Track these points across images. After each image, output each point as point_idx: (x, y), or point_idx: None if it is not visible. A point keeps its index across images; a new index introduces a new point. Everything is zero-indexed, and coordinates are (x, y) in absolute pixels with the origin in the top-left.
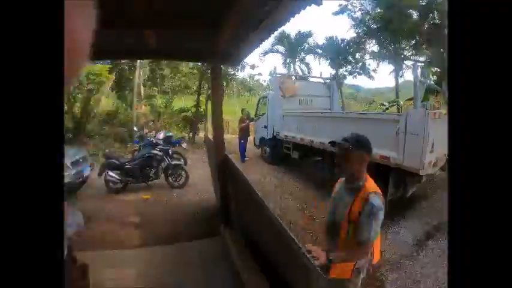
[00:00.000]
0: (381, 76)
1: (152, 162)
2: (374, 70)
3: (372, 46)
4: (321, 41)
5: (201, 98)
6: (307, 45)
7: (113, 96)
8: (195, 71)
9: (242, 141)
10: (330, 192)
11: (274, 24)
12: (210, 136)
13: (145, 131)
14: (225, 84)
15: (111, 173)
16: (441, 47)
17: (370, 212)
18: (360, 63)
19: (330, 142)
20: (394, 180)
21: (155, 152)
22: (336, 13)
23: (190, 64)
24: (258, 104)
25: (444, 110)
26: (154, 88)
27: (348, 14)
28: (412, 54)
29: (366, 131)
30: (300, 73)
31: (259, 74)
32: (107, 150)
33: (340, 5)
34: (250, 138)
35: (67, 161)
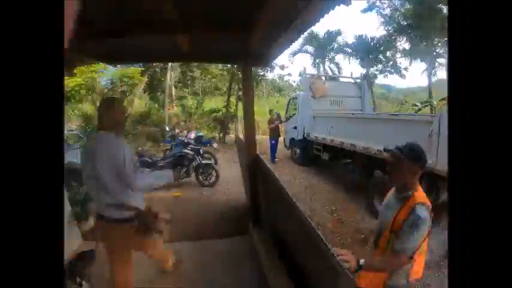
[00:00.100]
0: (413, 75)
1: (183, 161)
2: (405, 69)
3: (403, 43)
4: (350, 39)
5: (231, 99)
6: (336, 45)
7: (145, 97)
8: (225, 72)
9: (273, 141)
10: (359, 195)
11: (304, 24)
12: (241, 136)
13: (177, 130)
14: (254, 85)
15: None
16: None
17: (413, 222)
18: (391, 62)
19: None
20: (426, 184)
21: (186, 151)
22: (365, 10)
23: (220, 66)
24: (288, 105)
25: None
26: (185, 89)
27: (377, 11)
28: (445, 52)
29: (397, 132)
30: (330, 73)
31: (289, 75)
32: (139, 149)
33: (368, 2)
34: (280, 139)
35: None
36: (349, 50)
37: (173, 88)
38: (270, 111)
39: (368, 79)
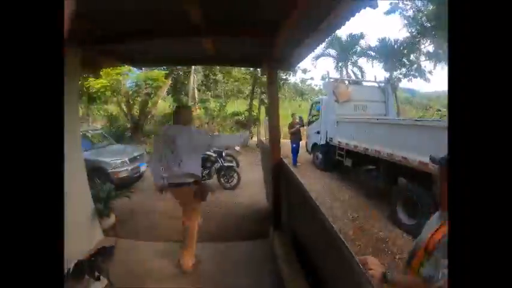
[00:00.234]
0: (437, 78)
1: (206, 163)
2: (430, 72)
3: (427, 46)
4: (373, 42)
5: (254, 103)
6: (359, 48)
7: (169, 99)
8: (248, 76)
9: (294, 145)
10: (382, 202)
11: (330, 27)
12: (264, 139)
13: None
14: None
15: None
16: None
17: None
18: (415, 65)
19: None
20: None
21: (209, 153)
22: (388, 12)
23: (243, 69)
24: (311, 109)
25: None
26: (208, 92)
27: (400, 13)
28: None
29: (423, 139)
30: (353, 77)
31: (311, 79)
32: None
33: (391, 4)
34: (302, 143)
35: (125, 158)
36: (372, 53)
37: (196, 91)
38: (292, 115)
39: (392, 83)
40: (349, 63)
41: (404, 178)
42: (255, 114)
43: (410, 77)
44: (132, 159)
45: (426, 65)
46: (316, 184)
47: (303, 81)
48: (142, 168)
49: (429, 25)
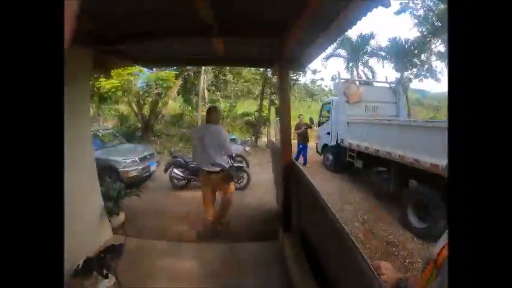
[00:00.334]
0: None
1: None
2: (441, 72)
3: (438, 46)
4: (383, 42)
5: (264, 103)
6: (369, 48)
7: (179, 99)
8: (258, 76)
9: (300, 146)
10: (393, 204)
11: (342, 27)
12: (274, 140)
13: None
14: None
15: (176, 170)
16: None
17: None
18: (426, 65)
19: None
20: None
21: None
22: (398, 12)
23: (253, 70)
24: (321, 110)
25: None
26: (218, 93)
27: (410, 12)
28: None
29: (434, 140)
30: (364, 77)
31: (321, 79)
32: (172, 149)
33: (401, 3)
34: (312, 144)
35: (136, 157)
36: (383, 54)
37: (206, 91)
38: (299, 116)
39: (403, 83)
40: (359, 63)
41: (416, 180)
42: (265, 114)
43: (421, 77)
44: (142, 159)
45: (437, 65)
46: (326, 186)
47: (313, 81)
48: (153, 167)
49: (440, 24)
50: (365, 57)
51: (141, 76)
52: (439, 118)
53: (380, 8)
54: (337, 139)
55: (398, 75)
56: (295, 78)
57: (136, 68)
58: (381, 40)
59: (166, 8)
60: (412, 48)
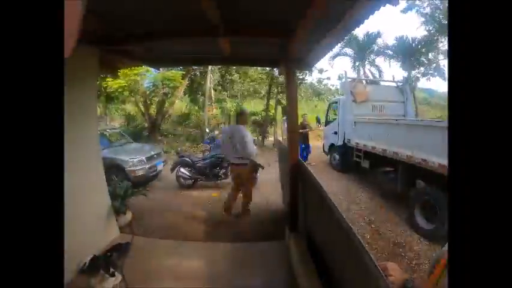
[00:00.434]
0: None
1: (222, 162)
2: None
3: (445, 44)
4: (390, 41)
5: (270, 103)
6: (376, 47)
7: (185, 99)
8: (264, 76)
9: (303, 145)
10: (400, 205)
11: (349, 26)
12: (281, 139)
13: (216, 132)
14: None
15: (182, 170)
16: None
17: None
18: (434, 64)
19: None
20: None
21: None
22: (405, 10)
23: (259, 69)
24: (328, 109)
25: None
26: (224, 92)
27: (417, 11)
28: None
29: (442, 140)
30: (371, 76)
31: (328, 78)
32: (179, 149)
33: (408, 2)
34: (319, 144)
35: (143, 156)
36: (390, 52)
37: (212, 91)
38: (303, 115)
39: (410, 83)
40: (366, 62)
41: (423, 181)
42: (271, 114)
43: (428, 76)
44: (149, 158)
45: (445, 63)
46: (333, 186)
47: (320, 81)
48: (159, 167)
49: (447, 22)
50: (372, 56)
51: (147, 76)
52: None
53: (387, 6)
54: (344, 139)
55: (405, 74)
56: (301, 77)
57: (143, 68)
58: (388, 39)
59: (172, 8)
60: (419, 46)
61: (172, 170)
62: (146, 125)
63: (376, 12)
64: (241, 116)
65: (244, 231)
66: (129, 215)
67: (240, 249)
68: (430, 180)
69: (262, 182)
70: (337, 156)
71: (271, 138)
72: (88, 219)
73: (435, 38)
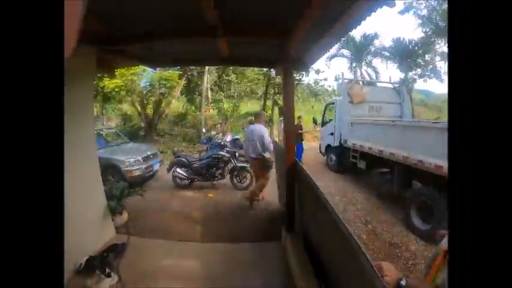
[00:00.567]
0: None
1: (219, 163)
2: (446, 72)
3: (442, 46)
4: (387, 42)
5: (267, 103)
6: (373, 48)
7: (182, 99)
8: (261, 76)
9: (297, 145)
10: (396, 206)
11: (344, 28)
12: (278, 140)
13: (213, 132)
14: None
15: (179, 170)
16: None
17: None
18: (430, 66)
19: None
20: None
21: (223, 153)
22: (402, 12)
23: (256, 70)
24: (324, 110)
25: None
26: (221, 93)
27: (414, 12)
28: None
29: (439, 141)
30: (367, 78)
31: (325, 79)
32: (175, 149)
33: (405, 3)
34: (316, 145)
35: (139, 156)
36: (387, 54)
37: (209, 91)
38: (298, 117)
39: (407, 84)
40: (363, 63)
41: (419, 182)
42: (268, 115)
43: (425, 78)
44: (146, 158)
45: (441, 65)
46: (329, 186)
47: (317, 82)
48: (156, 167)
49: (444, 24)
50: (369, 57)
51: (144, 76)
52: (444, 119)
53: (384, 7)
54: (341, 139)
55: (402, 75)
56: (298, 78)
57: (140, 68)
58: (385, 40)
59: (170, 8)
60: (416, 48)
61: (168, 170)
62: (143, 125)
63: (373, 13)
64: (259, 116)
65: (241, 232)
66: (125, 215)
67: (236, 249)
68: (426, 181)
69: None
70: (333, 157)
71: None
72: (84, 219)
73: (432, 39)
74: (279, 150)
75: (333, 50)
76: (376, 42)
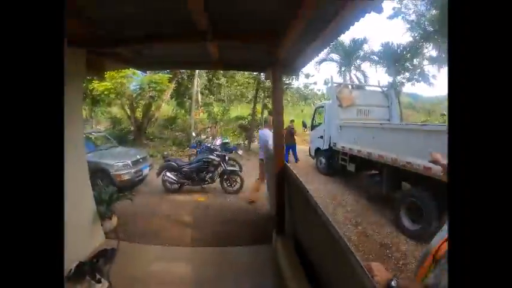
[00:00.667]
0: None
1: (209, 166)
2: (434, 76)
3: (430, 50)
4: (376, 47)
5: (257, 107)
6: (362, 52)
7: (172, 103)
8: (251, 80)
9: (287, 147)
10: (386, 207)
11: (334, 33)
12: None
13: (203, 136)
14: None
15: (168, 174)
16: None
17: None
18: (419, 70)
19: None
20: None
21: (212, 157)
22: (391, 17)
23: (246, 74)
24: (314, 114)
25: None
26: (211, 96)
27: (403, 17)
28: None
29: (427, 143)
30: (356, 82)
31: (314, 83)
32: (165, 153)
33: (394, 9)
34: (305, 148)
35: (128, 160)
36: (376, 58)
37: (199, 95)
38: (291, 121)
39: (395, 88)
40: (352, 67)
41: (408, 183)
42: (258, 118)
43: (413, 81)
44: (135, 162)
45: (429, 69)
46: (319, 189)
47: (306, 86)
48: (145, 171)
49: (432, 29)
50: (358, 61)
51: (134, 79)
52: (431, 122)
53: (372, 13)
54: (330, 143)
55: (390, 79)
56: (288, 82)
57: (130, 71)
58: (374, 45)
59: (160, 12)
60: (405, 52)
61: (158, 174)
62: (132, 128)
63: (361, 19)
64: (267, 121)
65: (231, 236)
66: (114, 220)
67: (227, 253)
68: (415, 182)
69: (249, 186)
70: (323, 160)
71: (257, 143)
72: (73, 224)
73: (420, 44)
74: (268, 154)
75: (323, 54)
76: (365, 47)
